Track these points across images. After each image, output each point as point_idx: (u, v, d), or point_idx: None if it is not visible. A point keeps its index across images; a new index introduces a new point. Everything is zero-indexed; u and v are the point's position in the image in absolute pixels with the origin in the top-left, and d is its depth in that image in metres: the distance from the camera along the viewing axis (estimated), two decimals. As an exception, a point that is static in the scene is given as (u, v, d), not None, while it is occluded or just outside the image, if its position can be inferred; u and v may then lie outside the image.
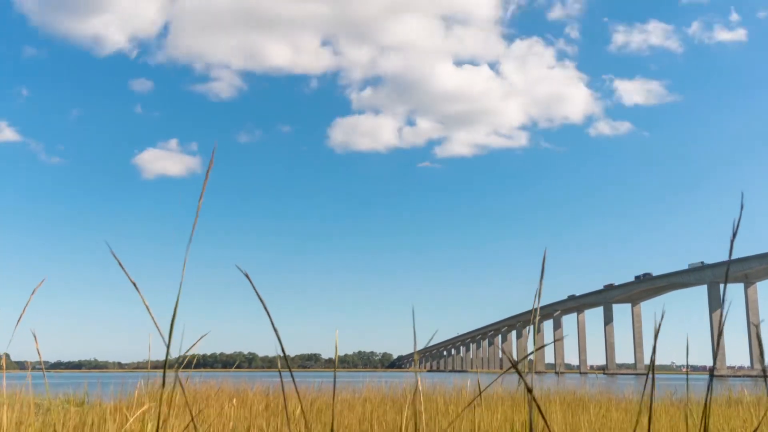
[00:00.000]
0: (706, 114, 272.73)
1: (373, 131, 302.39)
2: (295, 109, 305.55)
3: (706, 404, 2.26)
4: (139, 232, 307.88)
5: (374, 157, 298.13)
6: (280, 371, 2.48)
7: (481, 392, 2.47)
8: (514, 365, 1.68)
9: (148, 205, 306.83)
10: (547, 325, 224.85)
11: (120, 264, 2.27)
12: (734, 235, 2.30)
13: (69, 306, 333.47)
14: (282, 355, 2.37)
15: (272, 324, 2.38)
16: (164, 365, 2.20)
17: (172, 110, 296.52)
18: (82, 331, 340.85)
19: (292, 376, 2.48)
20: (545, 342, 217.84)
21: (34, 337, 4.23)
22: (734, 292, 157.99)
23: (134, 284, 2.26)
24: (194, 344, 4.44)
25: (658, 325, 2.40)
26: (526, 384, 1.70)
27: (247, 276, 2.38)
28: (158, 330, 2.19)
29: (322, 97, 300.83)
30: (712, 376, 2.29)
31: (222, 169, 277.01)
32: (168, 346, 2.19)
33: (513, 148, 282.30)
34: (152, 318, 2.21)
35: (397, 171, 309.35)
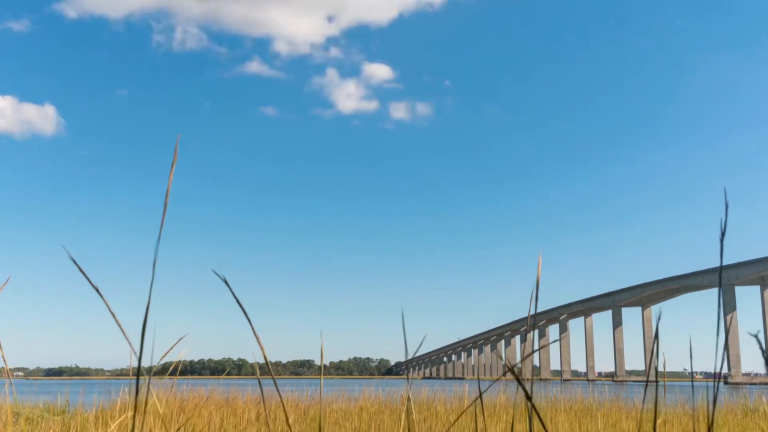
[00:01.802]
0: (719, 114, 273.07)
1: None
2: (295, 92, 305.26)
3: (711, 415, 2.27)
4: (117, 223, 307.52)
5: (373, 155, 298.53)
6: (259, 379, 2.48)
7: (478, 396, 2.48)
8: (511, 370, 1.68)
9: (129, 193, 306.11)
10: (553, 330, 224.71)
11: (81, 270, 2.26)
12: (723, 234, 2.31)
13: (48, 309, 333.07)
14: (266, 363, 2.37)
15: (253, 331, 2.38)
16: (137, 372, 2.20)
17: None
18: (63, 336, 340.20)
19: (275, 384, 2.48)
20: (550, 347, 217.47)
21: (-1, 345, 4.18)
22: (751, 294, 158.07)
23: (97, 290, 2.25)
24: (182, 352, 4.44)
25: (655, 329, 2.40)
26: (525, 390, 1.70)
27: (225, 281, 2.37)
28: (125, 336, 2.19)
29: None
30: (718, 383, 2.30)
31: (208, 162, 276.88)
32: (140, 352, 2.18)
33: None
34: (117, 323, 2.21)
35: (396, 171, 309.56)
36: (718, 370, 2.19)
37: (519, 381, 1.73)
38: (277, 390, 2.47)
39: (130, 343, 2.21)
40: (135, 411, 2.35)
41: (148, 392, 2.65)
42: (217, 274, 2.39)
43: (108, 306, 2.30)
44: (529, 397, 1.67)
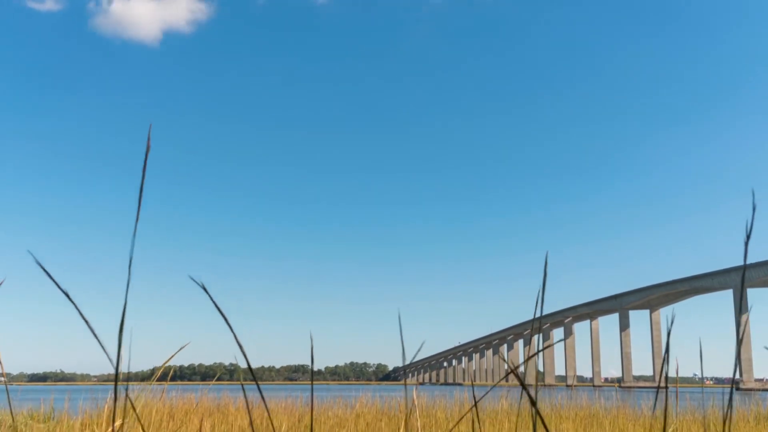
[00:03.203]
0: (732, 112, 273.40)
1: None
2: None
3: (725, 421, 2.27)
4: (104, 222, 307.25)
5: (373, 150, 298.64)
6: (258, 384, 2.46)
7: (475, 403, 2.45)
8: (515, 374, 1.67)
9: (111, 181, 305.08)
10: (558, 333, 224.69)
11: (48, 274, 2.25)
12: (748, 237, 2.31)
13: (32, 313, 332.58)
14: (249, 369, 2.34)
15: (234, 335, 2.36)
16: (115, 378, 2.18)
17: None
18: (47, 339, 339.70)
19: (260, 391, 2.46)
20: (554, 352, 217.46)
21: (-6, 345, 4.13)
22: (762, 296, 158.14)
23: (66, 294, 2.23)
24: (173, 355, 4.43)
25: (668, 331, 2.40)
26: (530, 396, 1.69)
27: (203, 288, 2.34)
28: (99, 343, 2.17)
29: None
30: (733, 389, 2.30)
31: (199, 158, 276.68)
32: (118, 357, 2.17)
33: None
34: (90, 328, 2.19)
35: (396, 176, 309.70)
36: (735, 376, 2.18)
37: (523, 385, 1.72)
38: (262, 397, 2.46)
39: (104, 349, 2.19)
40: (113, 418, 2.33)
41: (125, 399, 2.63)
42: (195, 281, 2.36)
43: (78, 310, 2.28)
44: (533, 403, 1.66)
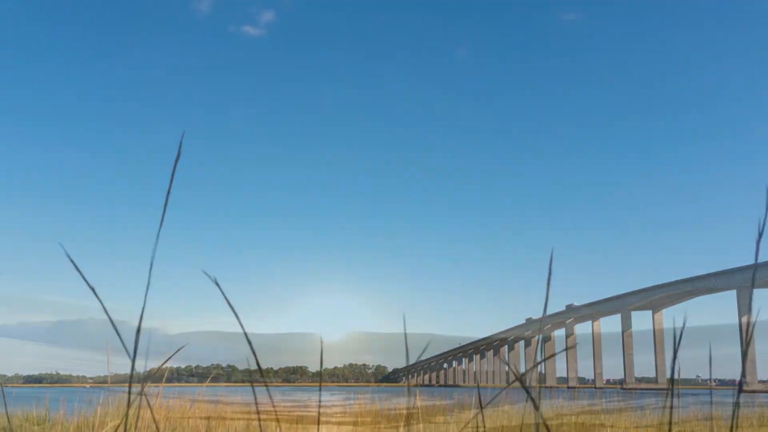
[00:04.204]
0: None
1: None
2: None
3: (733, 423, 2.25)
4: (101, 219, 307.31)
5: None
6: (253, 386, 2.44)
7: (483, 407, 2.44)
8: (519, 379, 1.65)
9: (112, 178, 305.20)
10: (559, 335, 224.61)
11: (77, 268, 2.23)
12: (760, 235, 2.28)
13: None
14: (258, 368, 2.33)
15: (245, 334, 2.35)
16: (129, 380, 2.16)
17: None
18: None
19: (268, 392, 2.45)
20: (555, 353, 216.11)
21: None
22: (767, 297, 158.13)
23: (93, 290, 2.22)
24: (169, 357, 4.41)
25: (679, 334, 2.38)
26: (533, 400, 1.67)
27: (216, 283, 2.33)
28: (121, 341, 2.16)
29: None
30: (739, 391, 2.28)
31: (194, 155, 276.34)
32: (133, 360, 2.15)
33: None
34: (114, 326, 2.17)
35: (394, 174, 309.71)
36: (740, 377, 2.16)
37: (527, 390, 1.70)
38: (270, 398, 2.44)
39: (126, 348, 2.17)
40: (127, 419, 2.31)
41: (140, 400, 2.61)
42: (208, 275, 2.35)
43: (105, 308, 2.26)
44: (536, 406, 1.63)
